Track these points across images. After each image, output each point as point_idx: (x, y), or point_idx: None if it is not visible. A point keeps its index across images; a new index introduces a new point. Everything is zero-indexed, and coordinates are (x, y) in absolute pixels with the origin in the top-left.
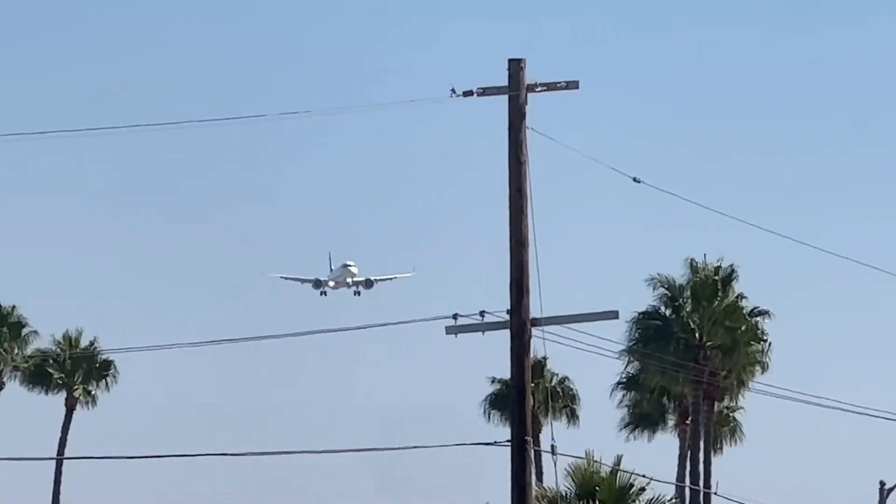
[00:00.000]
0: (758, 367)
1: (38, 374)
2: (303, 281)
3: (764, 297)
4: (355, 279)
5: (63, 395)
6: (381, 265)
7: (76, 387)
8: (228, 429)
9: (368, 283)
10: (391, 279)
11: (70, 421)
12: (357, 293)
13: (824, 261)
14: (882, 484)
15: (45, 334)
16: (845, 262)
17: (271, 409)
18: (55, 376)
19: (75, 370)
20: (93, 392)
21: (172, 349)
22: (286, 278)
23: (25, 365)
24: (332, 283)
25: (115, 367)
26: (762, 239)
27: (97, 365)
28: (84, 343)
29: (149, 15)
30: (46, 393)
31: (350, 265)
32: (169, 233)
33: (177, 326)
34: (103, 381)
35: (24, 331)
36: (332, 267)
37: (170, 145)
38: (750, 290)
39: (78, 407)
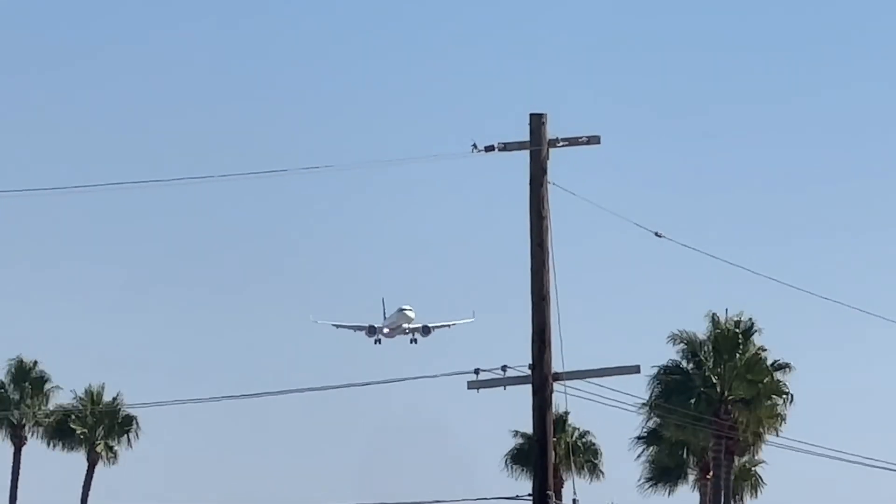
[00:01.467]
0: (779, 421)
1: (61, 430)
2: (356, 328)
3: (784, 351)
4: (412, 325)
5: (85, 450)
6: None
7: (98, 442)
8: (249, 483)
9: (426, 330)
10: (450, 325)
11: (92, 477)
12: (413, 340)
13: (844, 315)
14: None
15: (66, 390)
16: (865, 315)
17: (293, 463)
18: (77, 432)
19: (97, 425)
20: (114, 448)
21: (195, 404)
22: (338, 325)
23: (48, 420)
24: (386, 330)
25: (137, 422)
26: (782, 292)
27: (119, 420)
28: (106, 398)
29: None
30: (69, 449)
31: (406, 310)
32: (200, 287)
33: (201, 381)
34: (125, 436)
35: (47, 386)
36: (386, 314)
37: (189, 199)
38: (771, 343)
39: (99, 462)
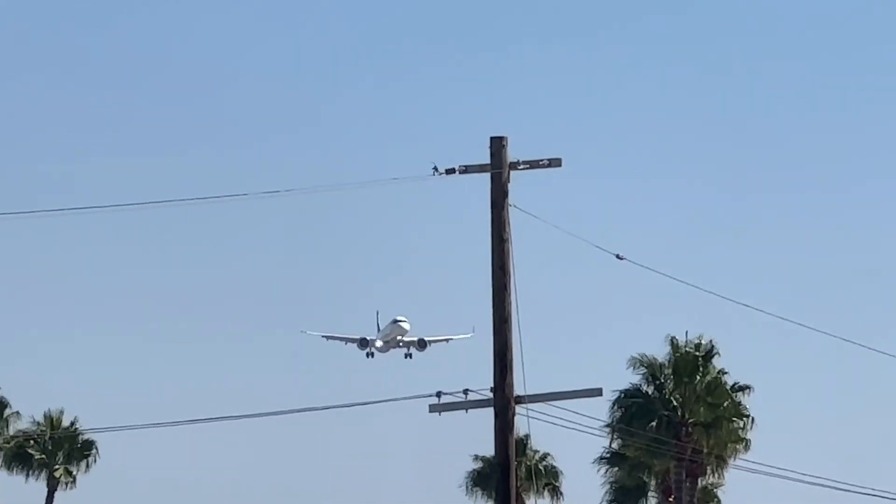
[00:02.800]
0: (740, 444)
1: (20, 456)
2: (347, 340)
3: (745, 373)
4: (406, 339)
5: (44, 476)
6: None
7: (57, 467)
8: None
9: (422, 344)
10: (448, 340)
11: (51, 502)
12: (408, 355)
13: (804, 336)
14: None
15: (26, 415)
16: (826, 336)
17: (253, 487)
18: (36, 457)
19: (56, 451)
20: (74, 473)
21: (154, 428)
22: (329, 337)
23: (7, 446)
24: (379, 343)
25: (96, 447)
26: (742, 315)
27: (78, 445)
28: (65, 423)
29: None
30: (28, 474)
31: (401, 321)
32: (161, 307)
33: (162, 405)
34: (84, 461)
35: (6, 412)
36: (380, 326)
37: (152, 218)
38: (731, 366)
39: (59, 488)
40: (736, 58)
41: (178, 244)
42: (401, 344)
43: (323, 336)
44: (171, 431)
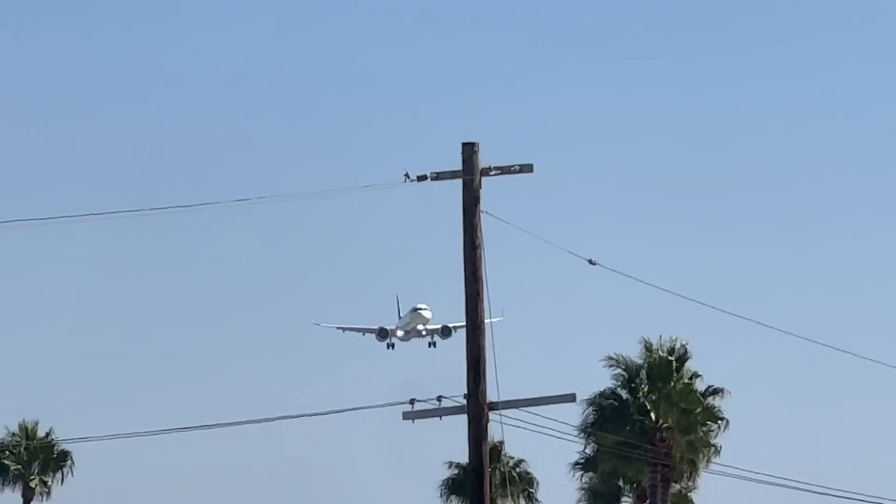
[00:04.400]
0: (714, 448)
1: None
2: (365, 331)
3: (718, 377)
4: (429, 326)
5: (20, 487)
6: None
7: (33, 478)
8: None
9: (446, 332)
10: None
11: None
12: (432, 344)
13: (777, 339)
14: None
15: (0, 426)
16: (798, 339)
17: (230, 496)
18: (12, 468)
19: (32, 461)
20: (49, 483)
21: (130, 438)
22: (344, 328)
23: None
24: (400, 333)
25: (71, 457)
26: (715, 318)
27: (54, 456)
28: (41, 433)
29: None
30: (3, 485)
31: (422, 309)
32: (137, 314)
33: (140, 414)
34: (60, 471)
35: None
36: (401, 314)
37: (124, 225)
38: (704, 369)
39: (34, 499)
40: (706, 62)
41: (147, 251)
42: (423, 333)
43: (338, 328)
44: (147, 441)
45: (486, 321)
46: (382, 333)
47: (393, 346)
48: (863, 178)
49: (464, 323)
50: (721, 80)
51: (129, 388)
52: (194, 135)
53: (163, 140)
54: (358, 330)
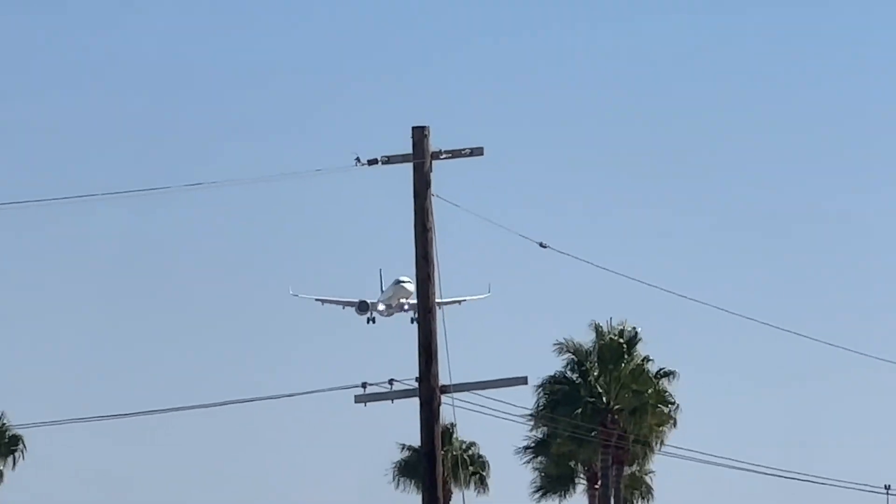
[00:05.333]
0: (666, 429)
1: None
2: (344, 304)
3: (669, 359)
4: (411, 301)
5: None
6: None
7: None
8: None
9: None
10: (460, 302)
11: None
12: (414, 319)
13: (728, 321)
14: None
15: None
16: (749, 321)
17: (183, 481)
18: None
19: None
20: (0, 468)
21: (83, 423)
22: (323, 301)
23: None
24: (381, 307)
25: (23, 442)
26: (666, 300)
27: (5, 441)
28: None
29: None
30: None
31: (405, 282)
32: (94, 297)
33: (94, 398)
34: (11, 457)
35: None
36: (384, 287)
37: (76, 208)
38: (655, 352)
39: None
40: (657, 46)
41: (100, 234)
42: (406, 308)
43: (317, 299)
44: (100, 426)
45: (474, 298)
46: (363, 307)
47: (374, 320)
48: (812, 157)
49: (449, 299)
50: (669, 58)
51: (82, 372)
52: (148, 117)
53: (117, 122)
54: (337, 302)
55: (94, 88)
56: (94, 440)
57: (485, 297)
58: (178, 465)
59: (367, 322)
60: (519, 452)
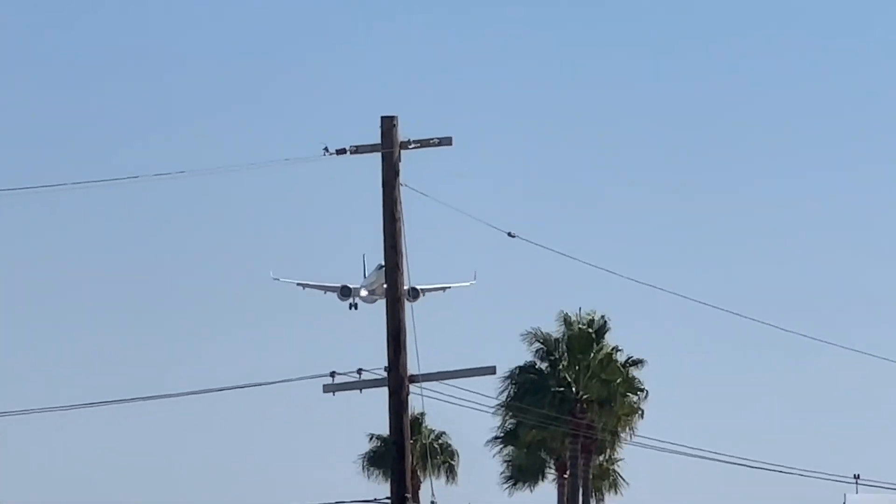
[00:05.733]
0: (635, 418)
1: None
2: (326, 289)
3: (638, 349)
4: None
5: None
6: None
7: None
8: (99, 494)
9: (414, 293)
10: (445, 289)
11: None
12: None
13: (696, 310)
14: None
15: None
16: (716, 311)
17: (145, 470)
18: None
19: None
20: None
21: (45, 413)
22: (304, 285)
23: None
24: (364, 292)
25: None
26: (634, 290)
27: None
28: None
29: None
30: None
31: None
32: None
33: (54, 387)
34: None
35: None
36: (367, 273)
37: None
38: (624, 341)
39: None
40: (624, 36)
41: (60, 224)
42: None
43: (298, 284)
44: (61, 416)
45: (458, 285)
46: (345, 292)
47: (356, 306)
48: (780, 145)
49: (434, 286)
50: (636, 48)
51: (40, 361)
52: (128, 105)
53: (79, 110)
54: (319, 287)
55: (87, 74)
56: (64, 430)
57: (470, 285)
58: (141, 455)
59: (350, 308)
60: (489, 443)
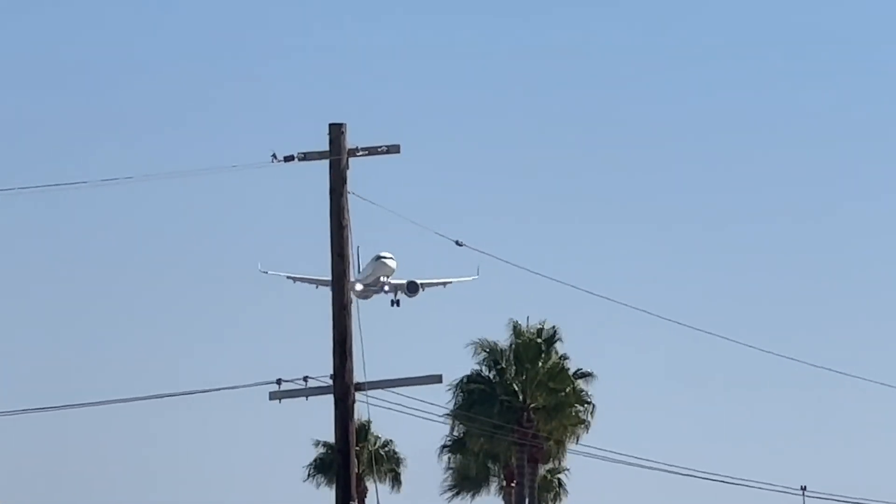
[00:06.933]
0: (581, 429)
1: None
2: (318, 283)
3: (587, 359)
4: (393, 281)
5: None
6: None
7: None
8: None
9: (412, 288)
10: (445, 283)
11: None
12: (395, 302)
13: (646, 321)
14: None
15: None
16: (666, 322)
17: (90, 481)
18: None
19: None
20: None
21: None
22: (295, 278)
23: None
24: (359, 286)
25: None
26: (584, 300)
27: None
28: None
29: None
30: None
31: (386, 258)
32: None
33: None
34: None
35: None
36: (361, 266)
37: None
38: (573, 351)
39: None
40: (574, 42)
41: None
42: (386, 289)
43: (289, 277)
44: (9, 420)
45: (460, 280)
46: None
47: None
48: (736, 155)
49: (434, 280)
50: (588, 54)
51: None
52: (74, 112)
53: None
54: (311, 281)
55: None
56: (8, 436)
57: (472, 280)
58: (86, 462)
59: None
60: (437, 451)
